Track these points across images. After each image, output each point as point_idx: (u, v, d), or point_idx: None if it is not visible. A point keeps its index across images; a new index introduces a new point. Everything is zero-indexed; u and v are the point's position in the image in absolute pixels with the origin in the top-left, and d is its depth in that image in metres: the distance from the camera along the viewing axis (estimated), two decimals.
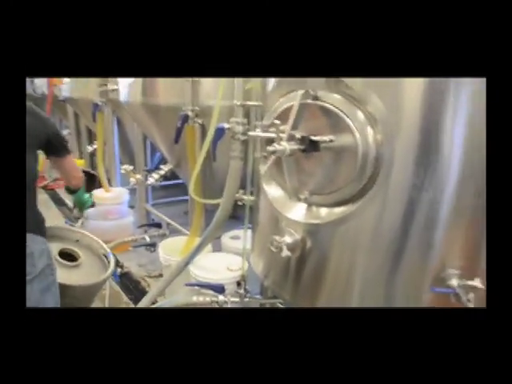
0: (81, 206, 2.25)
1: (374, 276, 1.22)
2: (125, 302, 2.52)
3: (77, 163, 2.04)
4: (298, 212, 1.35)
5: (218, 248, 2.56)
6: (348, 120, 1.10)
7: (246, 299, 1.88)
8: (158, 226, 3.15)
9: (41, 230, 1.28)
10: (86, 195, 2.23)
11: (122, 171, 3.06)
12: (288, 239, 1.33)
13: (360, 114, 1.09)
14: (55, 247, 1.79)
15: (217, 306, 1.89)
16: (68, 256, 1.86)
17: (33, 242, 1.20)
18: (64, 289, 1.60)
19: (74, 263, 1.82)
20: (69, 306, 1.78)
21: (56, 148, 1.63)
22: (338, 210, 1.25)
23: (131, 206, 3.72)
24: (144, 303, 2.15)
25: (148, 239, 3.06)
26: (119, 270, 2.89)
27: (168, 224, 3.13)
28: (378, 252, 1.20)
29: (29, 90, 4.89)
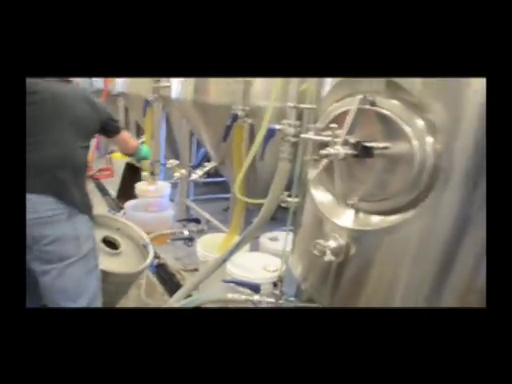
0: (142, 159, 2.34)
1: (417, 288, 1.19)
2: (159, 292, 2.57)
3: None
4: (344, 217, 1.34)
5: (255, 248, 2.57)
6: (406, 127, 1.09)
7: (281, 301, 1.87)
8: (197, 221, 3.20)
9: (90, 214, 1.32)
10: (144, 151, 2.28)
11: (168, 165, 3.14)
12: (332, 244, 1.32)
13: (419, 122, 1.07)
14: (99, 234, 1.85)
15: (251, 305, 1.90)
16: (110, 244, 1.92)
17: (82, 224, 1.24)
18: (105, 275, 1.66)
19: (115, 251, 1.88)
20: (107, 291, 1.84)
21: (110, 130, 1.70)
22: (387, 219, 1.23)
23: (172, 200, 3.80)
24: (178, 296, 2.18)
25: (186, 233, 3.12)
26: (156, 261, 2.96)
27: (207, 220, 3.18)
28: (424, 265, 1.17)
29: (85, 84, 5.11)
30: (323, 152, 1.16)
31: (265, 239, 2.53)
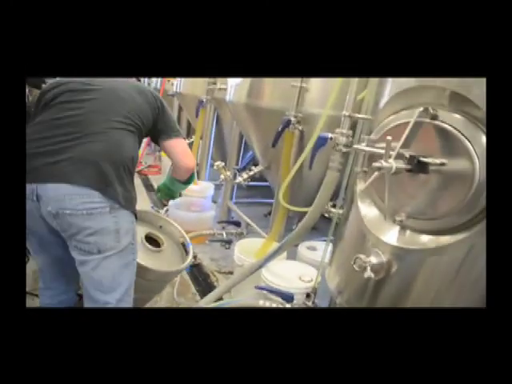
0: (168, 196, 2.02)
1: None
2: (192, 292, 2.58)
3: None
4: (389, 234, 1.28)
5: (292, 256, 2.53)
6: (468, 144, 1.02)
7: None
8: (237, 224, 3.20)
9: (132, 210, 1.30)
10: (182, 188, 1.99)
11: (214, 167, 3.16)
12: (374, 260, 1.26)
13: (483, 139, 1.00)
14: (142, 230, 1.87)
15: None
16: (152, 240, 1.93)
17: (123, 219, 1.23)
18: (143, 271, 1.66)
19: (157, 249, 1.87)
20: (143, 287, 1.81)
21: (163, 129, 1.50)
22: (435, 239, 1.16)
23: (214, 201, 3.83)
24: (209, 298, 2.18)
25: (225, 235, 3.12)
26: (192, 260, 2.98)
27: (247, 224, 3.17)
28: (470, 292, 1.09)
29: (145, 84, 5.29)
30: (375, 164, 1.11)
31: (303, 248, 2.48)
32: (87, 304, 1.32)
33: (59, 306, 1.49)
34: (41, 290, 1.54)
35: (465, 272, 1.10)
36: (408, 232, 1.25)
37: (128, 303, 1.33)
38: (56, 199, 1.09)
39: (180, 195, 2.13)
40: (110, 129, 1.19)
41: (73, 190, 1.10)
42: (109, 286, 1.27)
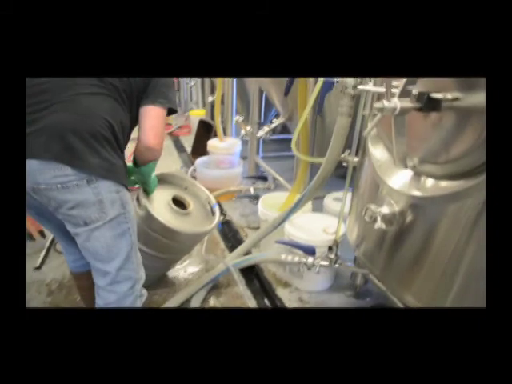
0: (143, 183, 1.69)
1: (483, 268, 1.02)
2: (221, 248, 2.61)
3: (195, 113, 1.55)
4: (402, 181, 1.19)
5: (319, 208, 2.47)
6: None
7: (336, 265, 1.78)
8: (264, 179, 3.16)
9: (116, 178, 1.19)
10: (153, 176, 1.70)
11: (234, 122, 3.09)
12: (385, 210, 1.18)
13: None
14: (169, 193, 1.88)
15: (305, 267, 1.84)
16: (179, 203, 1.92)
17: (104, 189, 1.16)
18: (173, 233, 1.71)
19: (184, 211, 1.87)
20: (174, 248, 1.89)
21: (153, 88, 1.31)
22: (453, 184, 1.05)
23: (243, 157, 3.79)
24: (237, 253, 2.19)
25: (253, 191, 3.10)
26: (222, 217, 2.99)
27: (274, 178, 3.12)
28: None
29: None
30: (377, 105, 1.00)
31: (329, 199, 2.40)
32: (93, 273, 1.34)
33: (83, 269, 1.52)
34: (64, 256, 1.61)
35: (484, 220, 1.00)
36: (422, 178, 1.15)
37: (131, 270, 1.32)
38: (29, 175, 1.06)
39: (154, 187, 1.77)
40: (77, 95, 1.09)
41: (41, 165, 1.05)
42: (106, 256, 1.26)
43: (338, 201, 2.37)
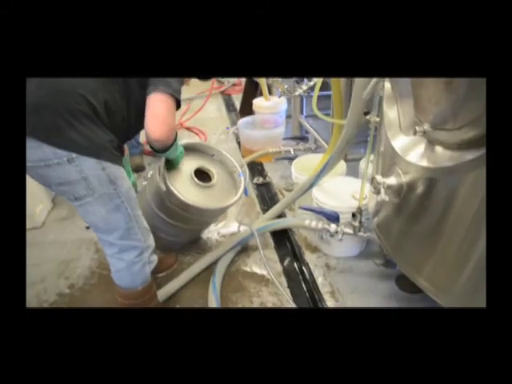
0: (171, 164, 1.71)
1: None
2: (256, 211, 2.60)
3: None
4: (410, 148, 1.07)
5: (355, 172, 2.36)
6: None
7: (360, 233, 1.71)
8: (304, 139, 3.05)
9: (99, 155, 1.17)
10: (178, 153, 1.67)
11: (270, 81, 2.97)
12: (392, 181, 1.09)
13: None
14: (194, 164, 1.84)
15: (328, 234, 1.78)
16: (204, 174, 1.88)
17: (86, 167, 1.15)
18: (192, 208, 1.70)
19: (207, 184, 1.83)
20: (198, 221, 1.92)
21: (155, 79, 1.24)
22: (465, 153, 0.93)
23: (289, 116, 3.68)
24: (266, 217, 2.18)
25: (292, 152, 3.02)
26: (261, 179, 2.97)
27: (315, 139, 3.01)
28: None
29: None
30: None
31: (364, 163, 2.27)
32: (101, 243, 1.38)
33: None
34: None
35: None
36: (432, 148, 1.03)
37: (135, 240, 1.35)
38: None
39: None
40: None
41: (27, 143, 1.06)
42: (106, 229, 1.28)
43: None
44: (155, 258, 1.48)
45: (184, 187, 1.72)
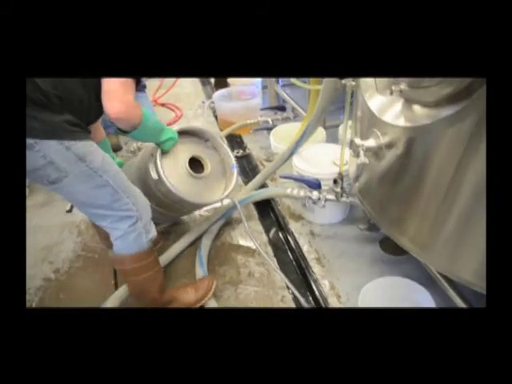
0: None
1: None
2: (239, 184, 2.59)
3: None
4: (387, 109, 1.07)
5: (334, 139, 2.36)
6: None
7: (343, 199, 1.72)
8: (282, 109, 3.02)
9: (59, 136, 1.13)
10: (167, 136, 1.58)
11: None
12: (371, 142, 1.09)
13: None
14: (187, 151, 1.74)
15: (311, 201, 1.79)
16: (197, 163, 1.80)
17: (49, 150, 1.12)
18: (185, 202, 1.65)
19: (200, 175, 1.76)
20: (183, 208, 1.87)
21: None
22: (445, 110, 0.93)
23: (265, 87, 3.63)
24: (248, 189, 2.18)
25: (271, 122, 2.99)
26: (241, 151, 2.95)
27: (293, 108, 2.98)
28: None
29: None
30: None
31: (343, 128, 2.27)
32: (93, 219, 1.39)
33: None
34: None
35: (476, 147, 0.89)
36: (410, 107, 1.03)
37: (127, 210, 1.33)
38: None
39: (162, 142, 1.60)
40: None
41: None
42: (92, 204, 1.27)
43: None
44: (153, 228, 1.47)
45: (176, 177, 1.66)
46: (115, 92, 1.21)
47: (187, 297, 1.65)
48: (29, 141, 1.07)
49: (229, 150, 1.90)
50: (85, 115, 1.26)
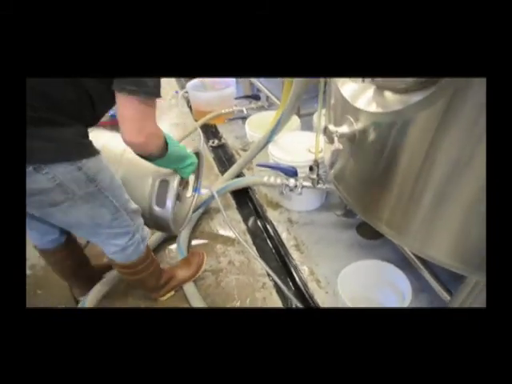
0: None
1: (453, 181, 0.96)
2: (215, 174, 2.59)
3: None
4: (359, 95, 1.09)
5: (309, 127, 2.38)
6: None
7: (319, 185, 1.75)
8: (256, 98, 3.02)
9: (68, 157, 1.02)
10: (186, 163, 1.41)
11: None
12: (344, 129, 1.10)
13: None
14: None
15: (288, 189, 1.81)
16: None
17: (59, 172, 1.01)
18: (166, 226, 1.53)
19: (186, 196, 1.73)
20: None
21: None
22: (415, 95, 0.96)
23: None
24: (224, 178, 2.18)
25: (245, 112, 2.98)
26: (216, 141, 2.94)
27: (267, 97, 2.98)
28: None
29: None
30: None
31: (317, 116, 2.29)
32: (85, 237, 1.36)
33: (51, 245, 1.49)
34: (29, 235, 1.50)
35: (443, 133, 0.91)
36: (382, 94, 1.04)
37: (125, 227, 1.28)
38: None
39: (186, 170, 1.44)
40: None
41: None
42: (91, 224, 1.20)
43: None
44: (147, 232, 1.44)
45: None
46: (131, 119, 1.06)
47: (182, 273, 1.72)
48: (34, 164, 0.97)
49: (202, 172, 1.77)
50: (89, 120, 1.15)
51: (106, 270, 1.77)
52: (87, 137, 1.11)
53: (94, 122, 1.18)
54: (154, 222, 1.51)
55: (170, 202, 1.45)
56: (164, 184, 1.46)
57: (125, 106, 1.03)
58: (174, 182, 1.44)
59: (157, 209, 1.47)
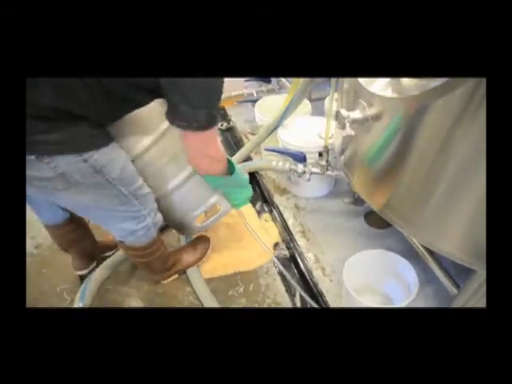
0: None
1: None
2: None
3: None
4: (374, 80, 1.04)
5: (320, 112, 2.33)
6: None
7: (328, 172, 1.71)
8: (267, 80, 2.96)
9: (70, 148, 1.00)
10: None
11: None
12: (357, 114, 1.06)
13: None
14: None
15: (296, 175, 1.78)
16: None
17: (61, 163, 0.99)
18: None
19: None
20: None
21: (170, 96, 0.98)
22: (433, 81, 0.91)
23: None
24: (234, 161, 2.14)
25: (255, 94, 2.93)
26: (225, 124, 2.90)
27: (278, 80, 2.92)
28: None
29: None
30: None
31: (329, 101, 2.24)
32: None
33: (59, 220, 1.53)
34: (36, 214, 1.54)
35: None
36: (399, 78, 1.00)
37: (133, 211, 1.25)
38: None
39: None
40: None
41: None
42: (97, 208, 1.19)
43: None
44: (159, 218, 1.41)
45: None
46: (189, 148, 1.13)
47: (187, 257, 1.72)
48: (38, 155, 0.96)
49: None
50: (96, 115, 1.07)
51: (108, 247, 1.80)
52: (97, 128, 1.07)
53: (111, 119, 1.14)
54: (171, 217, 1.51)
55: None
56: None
57: (182, 136, 1.08)
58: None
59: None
